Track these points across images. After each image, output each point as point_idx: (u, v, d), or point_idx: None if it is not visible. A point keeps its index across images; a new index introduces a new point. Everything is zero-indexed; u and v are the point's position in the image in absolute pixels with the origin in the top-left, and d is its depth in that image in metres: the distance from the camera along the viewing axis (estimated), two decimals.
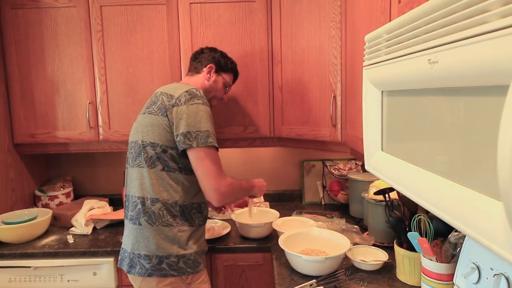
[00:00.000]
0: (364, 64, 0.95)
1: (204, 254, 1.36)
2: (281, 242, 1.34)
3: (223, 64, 1.49)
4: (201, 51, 1.49)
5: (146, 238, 1.24)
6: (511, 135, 0.36)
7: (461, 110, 0.55)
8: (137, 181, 1.28)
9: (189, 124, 1.21)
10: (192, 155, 1.23)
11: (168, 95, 1.28)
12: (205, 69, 1.45)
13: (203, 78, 1.45)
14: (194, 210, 1.31)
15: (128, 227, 1.31)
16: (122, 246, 1.35)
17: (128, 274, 1.30)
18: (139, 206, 1.26)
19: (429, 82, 0.61)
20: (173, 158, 1.25)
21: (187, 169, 1.27)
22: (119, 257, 1.36)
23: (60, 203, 2.02)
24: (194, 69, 1.48)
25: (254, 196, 1.53)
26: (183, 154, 1.25)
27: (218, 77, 1.48)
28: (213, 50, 1.50)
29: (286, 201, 2.21)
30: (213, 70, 1.46)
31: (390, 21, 0.95)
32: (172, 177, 1.26)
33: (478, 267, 0.88)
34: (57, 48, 1.80)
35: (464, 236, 0.99)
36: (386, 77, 0.81)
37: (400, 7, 0.90)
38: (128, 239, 1.29)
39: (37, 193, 2.00)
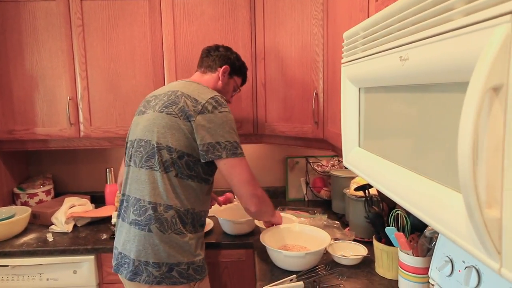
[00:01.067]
0: (342, 61, 0.96)
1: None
2: (262, 238, 1.35)
3: (238, 67, 1.45)
4: (217, 48, 1.42)
5: (155, 246, 1.18)
6: (470, 130, 0.37)
7: (431, 107, 0.56)
8: (147, 185, 1.20)
9: (218, 134, 1.18)
10: (223, 165, 1.19)
11: (192, 99, 1.21)
12: (220, 70, 1.39)
13: (217, 79, 1.39)
14: (202, 218, 1.28)
15: (131, 232, 1.21)
16: (119, 250, 1.25)
17: (130, 282, 1.21)
18: (150, 212, 1.18)
19: (401, 79, 0.62)
20: (187, 165, 1.20)
21: (199, 177, 1.23)
22: (115, 262, 1.27)
23: (40, 201, 1.98)
24: (207, 66, 1.40)
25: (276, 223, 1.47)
26: (199, 162, 1.21)
27: (230, 80, 1.44)
28: (228, 49, 1.44)
29: (270, 197, 2.21)
30: (227, 72, 1.41)
31: (368, 18, 0.96)
32: (185, 184, 1.21)
33: (451, 260, 0.90)
34: (36, 42, 1.76)
35: None
36: (362, 74, 0.82)
37: (378, 5, 0.91)
38: (131, 245, 1.21)
39: (16, 190, 1.96)
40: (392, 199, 0.68)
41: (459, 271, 0.87)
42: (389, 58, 0.65)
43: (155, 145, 1.20)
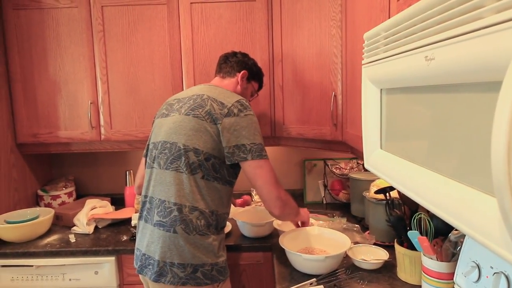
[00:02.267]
0: (363, 62, 0.94)
1: None
2: (281, 241, 1.34)
3: (255, 72, 1.48)
4: (234, 54, 1.45)
5: (181, 247, 1.18)
6: (504, 130, 0.35)
7: (458, 107, 0.54)
8: (173, 186, 1.21)
9: (244, 136, 1.20)
10: (248, 167, 1.21)
11: (218, 102, 1.23)
12: (239, 75, 1.42)
13: (236, 83, 1.42)
14: (224, 220, 1.29)
15: (155, 233, 1.22)
16: (142, 252, 1.25)
17: (154, 283, 1.21)
18: (176, 213, 1.19)
19: (426, 79, 0.61)
20: (214, 167, 1.22)
21: (224, 180, 1.25)
22: (138, 263, 1.27)
23: (63, 203, 2.03)
24: (226, 72, 1.43)
25: (304, 224, 1.49)
26: (224, 164, 1.23)
27: (249, 85, 1.48)
28: (246, 56, 1.47)
29: None
30: (246, 77, 1.44)
31: (389, 19, 0.95)
32: (211, 186, 1.22)
33: (478, 266, 0.87)
34: (59, 48, 1.81)
35: (464, 235, 0.98)
36: (384, 75, 0.80)
37: (399, 5, 0.90)
38: (155, 246, 1.21)
39: (40, 192, 2.01)
40: (417, 201, 0.67)
41: (487, 277, 0.84)
42: (413, 58, 0.64)
43: (182, 147, 1.21)
